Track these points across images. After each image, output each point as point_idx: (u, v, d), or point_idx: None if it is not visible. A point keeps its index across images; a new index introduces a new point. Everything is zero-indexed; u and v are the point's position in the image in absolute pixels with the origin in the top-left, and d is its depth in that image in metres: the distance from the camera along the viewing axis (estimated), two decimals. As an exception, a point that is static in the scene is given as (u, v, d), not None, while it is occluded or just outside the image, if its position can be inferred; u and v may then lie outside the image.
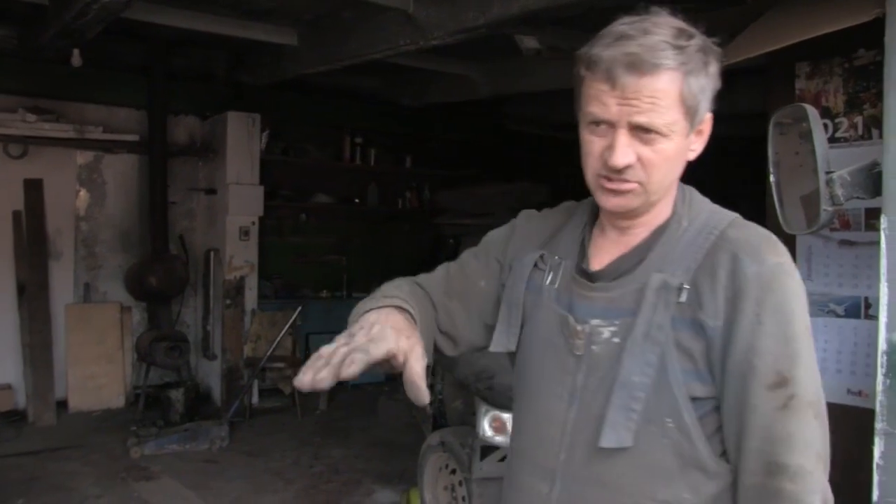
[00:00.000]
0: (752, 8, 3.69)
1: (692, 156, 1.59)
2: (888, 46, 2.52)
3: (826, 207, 2.54)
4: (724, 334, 1.47)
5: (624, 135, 1.46)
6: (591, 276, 1.63)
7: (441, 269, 1.86)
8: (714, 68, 1.51)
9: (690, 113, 1.49)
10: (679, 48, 1.45)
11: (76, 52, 6.35)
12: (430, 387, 5.62)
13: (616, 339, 1.54)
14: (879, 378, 2.50)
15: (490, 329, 1.78)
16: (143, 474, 6.27)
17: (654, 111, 1.45)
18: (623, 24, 1.48)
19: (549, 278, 1.68)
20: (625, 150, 1.46)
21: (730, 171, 6.67)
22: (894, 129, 2.48)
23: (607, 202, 1.55)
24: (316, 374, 1.26)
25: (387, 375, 8.51)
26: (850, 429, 2.93)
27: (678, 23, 1.50)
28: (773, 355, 1.45)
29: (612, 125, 1.47)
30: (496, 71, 7.28)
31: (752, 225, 1.59)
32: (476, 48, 6.28)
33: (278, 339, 7.95)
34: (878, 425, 2.49)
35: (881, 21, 2.57)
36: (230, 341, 8.34)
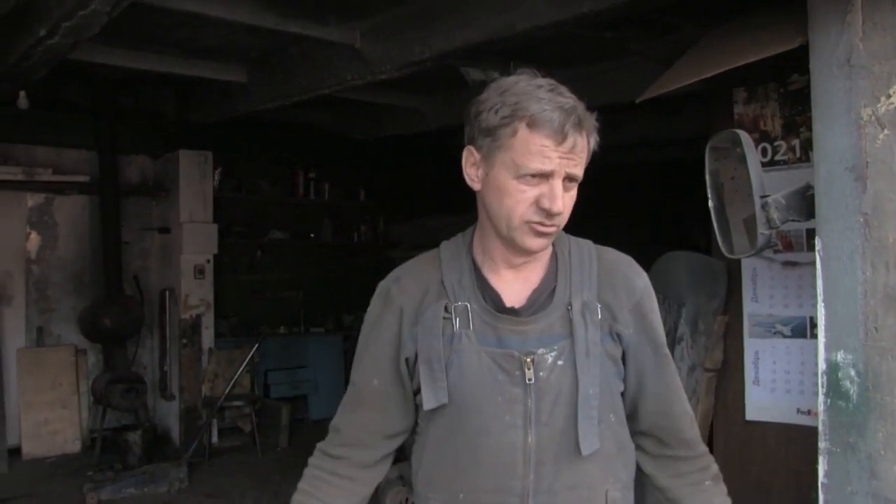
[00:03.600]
0: (685, 37, 3.76)
1: None
2: (813, 73, 2.58)
3: (763, 231, 2.59)
4: (636, 335, 1.79)
5: (560, 184, 1.64)
6: (517, 312, 1.76)
7: (345, 404, 1.96)
8: None
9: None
10: (588, 111, 1.66)
11: (22, 94, 6.32)
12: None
13: (560, 362, 1.71)
14: (820, 398, 2.53)
15: (405, 409, 1.86)
16: (99, 520, 6.12)
17: (582, 163, 1.66)
18: (536, 86, 1.64)
19: (459, 322, 1.75)
20: (563, 196, 1.65)
21: (679, 191, 6.77)
22: (824, 153, 2.53)
23: (533, 243, 1.70)
24: None
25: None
26: (802, 448, 2.96)
27: None
28: (662, 334, 1.86)
29: (549, 176, 1.63)
30: (445, 103, 7.34)
31: (609, 248, 1.90)
32: (424, 81, 6.32)
33: (236, 377, 7.89)
34: (822, 444, 2.52)
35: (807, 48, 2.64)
36: (187, 381, 8.24)
